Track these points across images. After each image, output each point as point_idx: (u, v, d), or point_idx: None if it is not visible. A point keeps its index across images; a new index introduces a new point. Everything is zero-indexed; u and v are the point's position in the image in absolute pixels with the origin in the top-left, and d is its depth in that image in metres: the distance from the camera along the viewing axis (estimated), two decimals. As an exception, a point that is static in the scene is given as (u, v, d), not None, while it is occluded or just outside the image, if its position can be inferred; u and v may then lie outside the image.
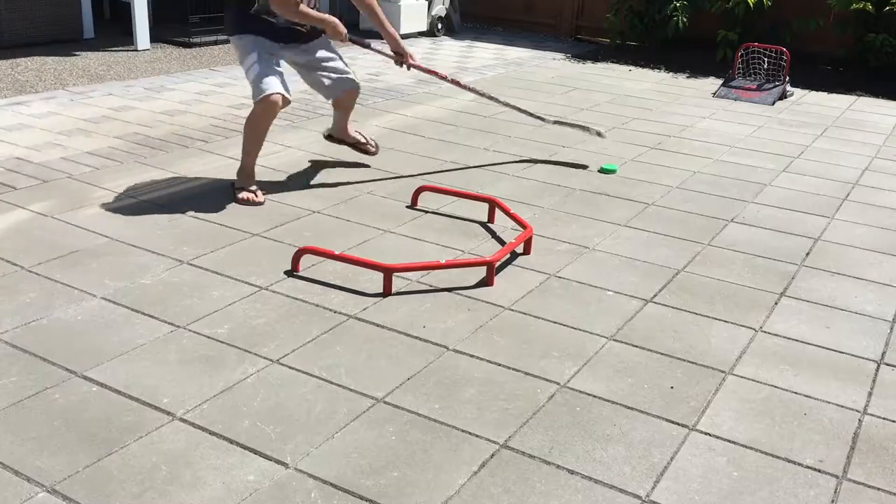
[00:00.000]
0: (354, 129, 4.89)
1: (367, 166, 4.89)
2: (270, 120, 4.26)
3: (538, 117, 5.21)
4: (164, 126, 5.49)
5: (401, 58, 4.57)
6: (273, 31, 4.18)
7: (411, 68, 4.64)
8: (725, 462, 2.43)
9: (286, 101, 4.20)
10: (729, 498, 2.28)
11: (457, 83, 4.97)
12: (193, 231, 3.83)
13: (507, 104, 5.09)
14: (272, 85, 4.13)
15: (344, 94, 4.60)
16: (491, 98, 5.05)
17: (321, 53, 4.45)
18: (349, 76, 4.56)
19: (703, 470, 2.39)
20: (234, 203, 4.19)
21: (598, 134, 5.36)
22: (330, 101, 4.69)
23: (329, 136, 4.89)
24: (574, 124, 5.38)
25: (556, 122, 5.27)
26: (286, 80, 4.22)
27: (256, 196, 4.23)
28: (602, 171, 4.93)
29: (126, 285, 3.28)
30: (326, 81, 4.50)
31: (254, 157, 4.32)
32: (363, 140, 4.88)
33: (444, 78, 4.90)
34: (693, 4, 8.62)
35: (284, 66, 4.35)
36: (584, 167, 5.03)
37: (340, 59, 4.55)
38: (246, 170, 4.32)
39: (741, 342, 3.11)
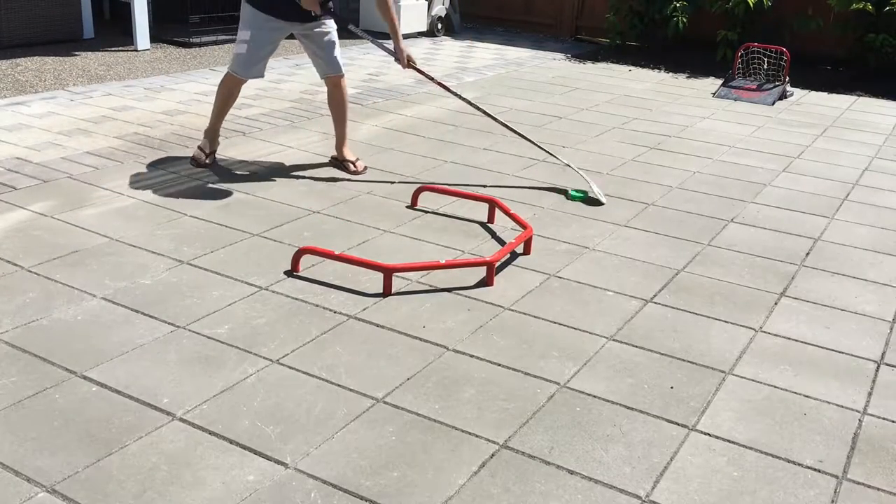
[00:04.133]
0: (348, 149, 4.92)
1: (368, 167, 4.89)
2: (232, 95, 4.75)
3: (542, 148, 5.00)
4: (164, 126, 5.49)
5: (402, 59, 4.68)
6: (284, 7, 4.41)
7: (408, 68, 4.75)
8: (725, 462, 2.43)
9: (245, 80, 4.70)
10: (729, 498, 2.28)
11: (458, 95, 4.93)
12: (193, 231, 3.83)
13: (503, 123, 4.96)
14: (244, 69, 4.61)
15: (328, 80, 4.76)
16: (488, 115, 4.95)
17: (321, 37, 4.63)
18: (336, 63, 4.70)
19: (703, 470, 2.39)
20: (234, 203, 4.19)
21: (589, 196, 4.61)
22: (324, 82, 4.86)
23: (333, 158, 4.94)
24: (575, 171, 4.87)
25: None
26: (265, 63, 4.66)
27: (207, 159, 4.73)
28: (572, 197, 4.57)
29: (126, 285, 3.28)
30: (317, 61, 4.74)
31: (217, 121, 4.79)
32: (350, 161, 4.85)
33: (443, 86, 4.91)
34: (693, 4, 8.61)
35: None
36: (564, 192, 4.67)
37: (335, 47, 4.68)
38: (209, 132, 4.81)
39: (741, 342, 3.11)
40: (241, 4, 4.51)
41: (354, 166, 4.79)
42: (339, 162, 4.86)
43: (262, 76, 4.70)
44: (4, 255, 3.48)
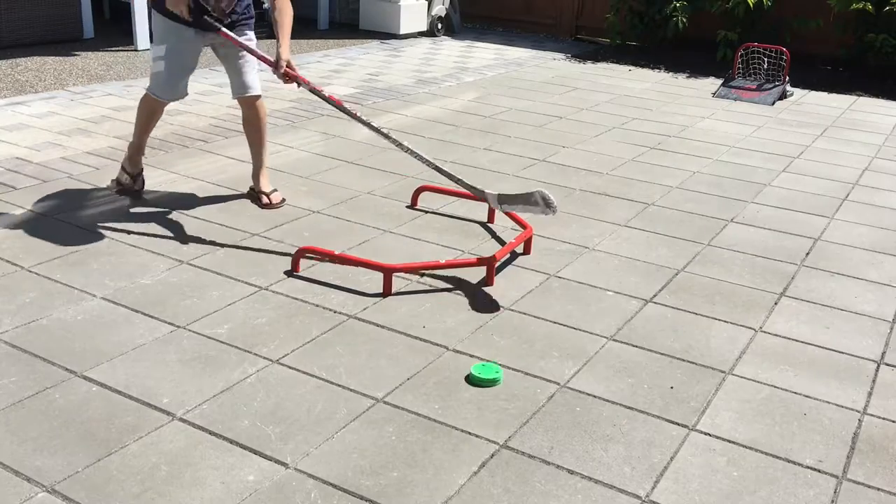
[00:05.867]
0: (266, 181, 4.28)
1: (368, 167, 4.89)
2: (155, 115, 4.13)
3: (468, 186, 3.83)
4: (164, 126, 5.48)
5: (279, 71, 3.84)
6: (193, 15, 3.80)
7: (290, 81, 3.89)
8: (725, 462, 2.43)
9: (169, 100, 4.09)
10: (729, 498, 2.28)
11: (346, 110, 3.89)
12: (193, 231, 3.83)
13: (410, 151, 3.83)
14: (166, 91, 4.00)
15: (240, 100, 4.15)
16: (389, 139, 3.83)
17: (234, 52, 4.04)
18: (247, 82, 4.10)
19: (703, 470, 2.39)
20: (234, 203, 4.19)
21: (546, 205, 3.46)
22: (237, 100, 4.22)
23: (250, 189, 4.31)
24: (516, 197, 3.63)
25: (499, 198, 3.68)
26: (187, 79, 4.06)
27: (136, 184, 4.20)
28: (472, 380, 2.78)
29: (126, 285, 3.28)
30: (231, 78, 4.14)
31: (141, 139, 4.18)
32: (265, 192, 4.22)
33: (332, 101, 3.90)
34: (693, 4, 8.61)
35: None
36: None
37: (249, 63, 4.10)
38: (133, 156, 4.19)
39: (741, 342, 3.11)
40: (152, 16, 3.94)
41: (268, 198, 4.17)
42: (253, 193, 4.26)
43: (185, 95, 4.10)
44: (4, 255, 3.48)
